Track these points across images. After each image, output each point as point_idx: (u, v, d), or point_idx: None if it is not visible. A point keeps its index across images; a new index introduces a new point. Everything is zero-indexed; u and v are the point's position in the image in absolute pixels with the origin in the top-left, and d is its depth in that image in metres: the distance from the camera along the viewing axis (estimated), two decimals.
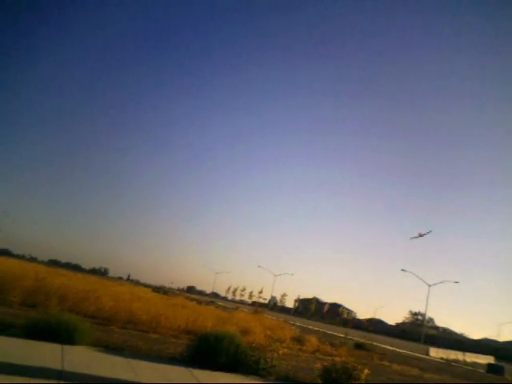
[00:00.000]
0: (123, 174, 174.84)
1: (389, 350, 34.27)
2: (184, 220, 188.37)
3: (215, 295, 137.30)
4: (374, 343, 28.70)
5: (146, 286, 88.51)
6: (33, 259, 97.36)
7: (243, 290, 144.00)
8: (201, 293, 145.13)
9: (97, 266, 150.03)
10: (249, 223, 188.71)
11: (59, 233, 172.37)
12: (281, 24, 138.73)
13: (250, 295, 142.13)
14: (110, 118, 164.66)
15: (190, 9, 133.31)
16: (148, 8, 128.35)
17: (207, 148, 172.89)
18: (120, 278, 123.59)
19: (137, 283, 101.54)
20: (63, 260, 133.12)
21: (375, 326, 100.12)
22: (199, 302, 43.93)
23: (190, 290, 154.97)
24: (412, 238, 74.50)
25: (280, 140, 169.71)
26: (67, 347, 10.01)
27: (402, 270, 77.12)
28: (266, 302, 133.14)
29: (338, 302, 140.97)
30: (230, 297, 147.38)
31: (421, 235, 71.30)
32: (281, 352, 12.56)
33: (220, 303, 68.94)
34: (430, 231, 72.60)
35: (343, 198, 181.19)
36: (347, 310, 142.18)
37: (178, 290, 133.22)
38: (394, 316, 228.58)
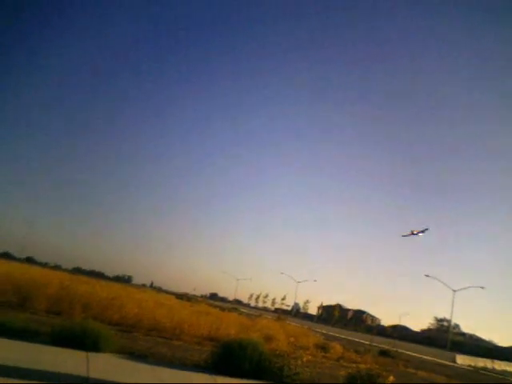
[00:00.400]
0: (127, 177, 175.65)
1: (414, 356, 33.65)
2: (202, 224, 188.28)
3: (238, 302, 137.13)
4: (399, 350, 28.27)
5: (169, 293, 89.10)
6: (57, 267, 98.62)
7: (266, 296, 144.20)
8: (223, 300, 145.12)
9: (120, 273, 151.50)
10: (266, 229, 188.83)
11: (82, 240, 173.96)
12: (281, 28, 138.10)
13: (273, 302, 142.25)
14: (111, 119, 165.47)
15: (190, 13, 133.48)
16: (149, 11, 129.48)
17: (207, 153, 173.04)
18: (143, 286, 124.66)
19: (160, 290, 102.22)
20: (87, 268, 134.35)
21: (400, 333, 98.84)
22: (222, 309, 44.02)
23: (213, 296, 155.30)
24: (404, 236, 72.62)
25: (282, 143, 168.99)
26: (92, 354, 10.10)
27: (426, 275, 76.00)
28: (289, 308, 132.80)
29: (362, 308, 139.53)
30: (252, 304, 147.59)
31: (413, 233, 69.65)
32: (305, 359, 12.43)
33: (243, 310, 68.83)
34: (426, 229, 70.67)
35: (356, 205, 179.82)
36: (371, 316, 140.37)
37: (201, 296, 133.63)
38: (418, 322, 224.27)
